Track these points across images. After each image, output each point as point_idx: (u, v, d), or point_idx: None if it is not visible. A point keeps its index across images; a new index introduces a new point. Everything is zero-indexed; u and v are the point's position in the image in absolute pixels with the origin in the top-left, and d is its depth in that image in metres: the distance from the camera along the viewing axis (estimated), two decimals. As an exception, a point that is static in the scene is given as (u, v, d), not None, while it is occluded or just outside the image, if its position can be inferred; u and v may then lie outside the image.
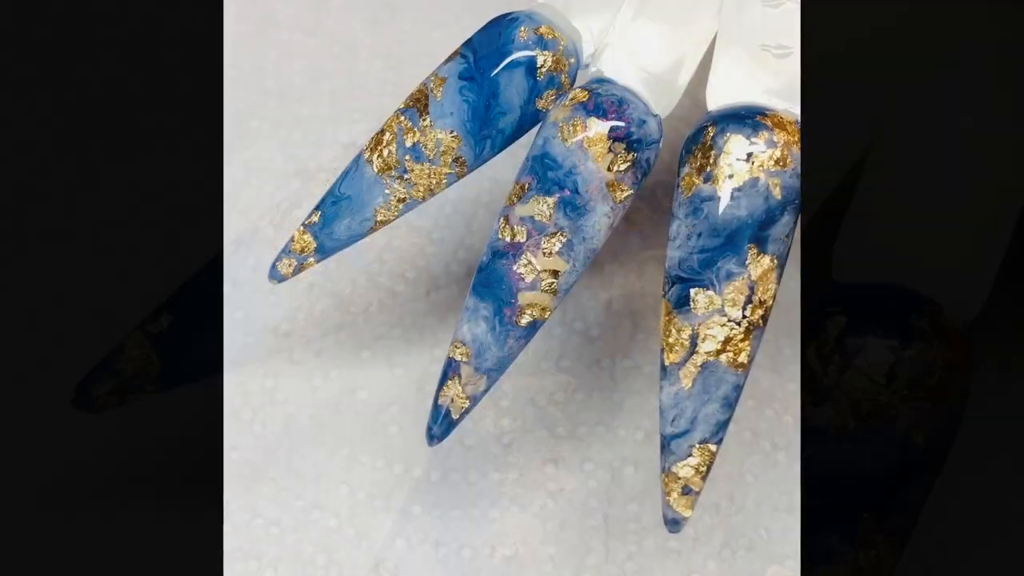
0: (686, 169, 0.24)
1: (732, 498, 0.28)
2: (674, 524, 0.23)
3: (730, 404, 0.23)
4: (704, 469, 0.23)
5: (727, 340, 0.23)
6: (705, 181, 0.23)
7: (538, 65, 0.25)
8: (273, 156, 0.34)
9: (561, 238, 0.24)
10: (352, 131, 0.34)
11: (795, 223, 0.23)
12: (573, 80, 0.26)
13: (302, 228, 0.26)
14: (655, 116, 0.25)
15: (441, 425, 0.25)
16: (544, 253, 0.24)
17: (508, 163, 0.31)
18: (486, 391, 0.25)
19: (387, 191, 0.26)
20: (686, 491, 0.23)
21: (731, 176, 0.23)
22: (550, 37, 0.25)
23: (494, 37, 0.26)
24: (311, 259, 0.27)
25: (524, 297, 0.25)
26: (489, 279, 0.25)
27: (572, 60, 0.26)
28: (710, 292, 0.23)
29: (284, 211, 0.33)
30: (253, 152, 0.34)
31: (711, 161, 0.23)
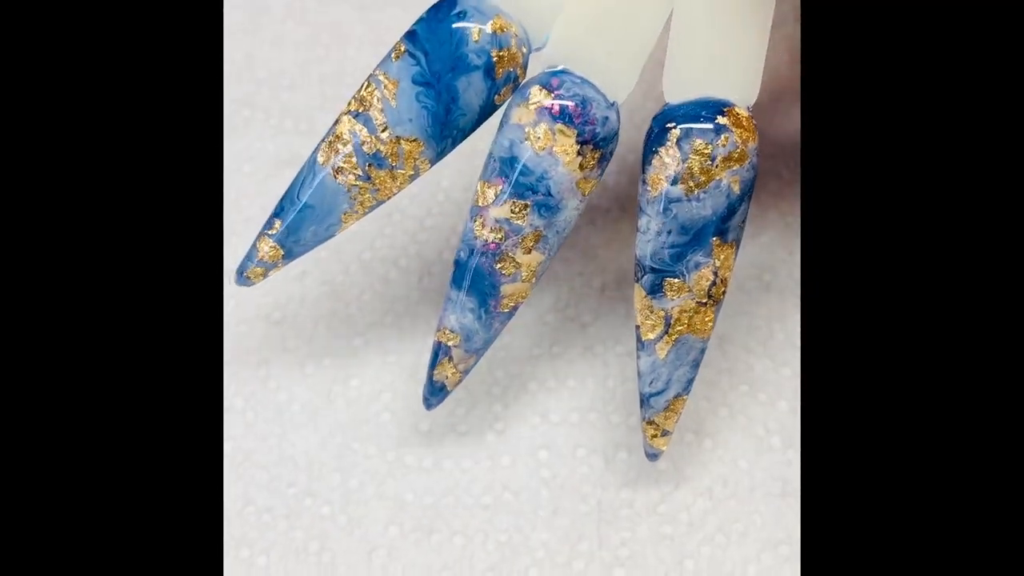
0: (652, 168, 0.25)
1: (726, 483, 0.28)
2: (654, 457, 0.27)
3: (697, 364, 0.27)
4: (675, 415, 0.27)
5: (695, 316, 0.26)
6: (672, 183, 0.25)
7: (495, 65, 0.25)
8: (265, 145, 0.34)
9: (537, 236, 0.26)
10: (344, 119, 0.34)
11: (749, 206, 0.26)
12: (526, 67, 0.26)
13: (266, 237, 0.26)
14: (613, 105, 0.26)
15: (437, 396, 0.27)
16: (523, 251, 0.26)
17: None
18: (476, 362, 0.27)
19: (352, 198, 0.26)
20: (664, 433, 0.27)
21: (696, 179, 0.25)
22: (503, 32, 0.25)
23: (445, 37, 0.25)
24: (280, 264, 0.26)
25: (506, 289, 0.26)
26: (471, 275, 0.26)
27: (524, 49, 0.26)
28: (680, 281, 0.26)
29: (276, 200, 0.33)
30: (246, 141, 0.34)
31: (677, 164, 0.25)
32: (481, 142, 0.33)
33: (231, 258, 0.31)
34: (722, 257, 0.26)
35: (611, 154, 0.26)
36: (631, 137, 0.32)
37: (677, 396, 0.27)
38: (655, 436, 0.27)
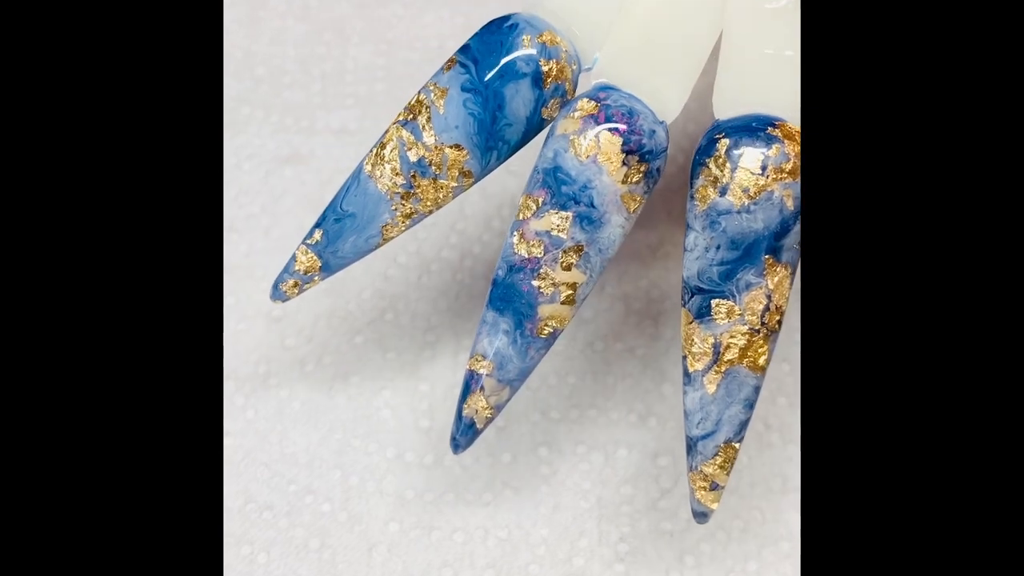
0: (700, 181, 0.24)
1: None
2: (702, 516, 0.25)
3: (751, 404, 0.24)
4: (728, 465, 0.25)
5: (748, 346, 0.24)
6: (721, 195, 0.24)
7: (543, 75, 0.25)
8: (265, 142, 0.34)
9: (578, 251, 0.25)
10: (344, 116, 0.34)
11: None
12: (575, 85, 0.26)
13: (304, 247, 0.26)
14: (662, 123, 0.25)
15: (466, 435, 0.26)
16: (562, 267, 0.25)
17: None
18: (509, 399, 0.26)
19: (393, 207, 0.25)
20: (713, 487, 0.25)
21: (747, 190, 0.24)
22: (552, 45, 0.25)
23: (495, 46, 0.25)
24: (316, 277, 0.26)
25: (544, 310, 0.25)
26: (508, 294, 0.25)
27: (574, 66, 0.26)
28: (730, 302, 0.24)
29: (276, 197, 0.33)
30: (245, 138, 0.34)
31: (726, 175, 0.24)
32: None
33: (232, 254, 0.31)
34: (776, 279, 0.24)
35: (658, 171, 0.25)
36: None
37: (728, 442, 0.24)
38: (704, 490, 0.25)
